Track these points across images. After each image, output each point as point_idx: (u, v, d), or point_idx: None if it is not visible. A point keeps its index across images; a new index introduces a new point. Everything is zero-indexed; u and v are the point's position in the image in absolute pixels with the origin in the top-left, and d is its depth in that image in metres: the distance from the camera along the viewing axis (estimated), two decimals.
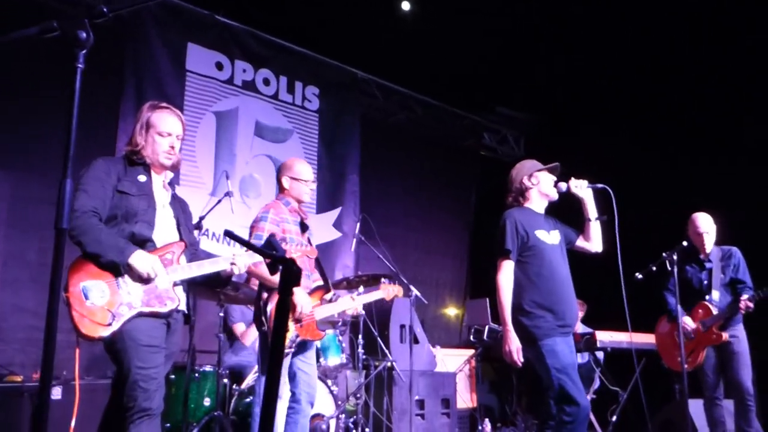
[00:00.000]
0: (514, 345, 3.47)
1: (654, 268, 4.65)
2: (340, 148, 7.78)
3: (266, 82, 7.34)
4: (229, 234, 1.63)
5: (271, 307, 3.84)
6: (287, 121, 7.45)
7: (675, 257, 4.48)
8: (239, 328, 5.40)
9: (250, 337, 5.34)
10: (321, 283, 4.07)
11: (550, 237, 3.70)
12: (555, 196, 3.77)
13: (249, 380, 4.89)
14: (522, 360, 3.47)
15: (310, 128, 7.63)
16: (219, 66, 6.96)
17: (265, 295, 3.92)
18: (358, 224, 5.45)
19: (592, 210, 3.78)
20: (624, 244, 3.77)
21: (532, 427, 6.58)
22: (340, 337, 5.06)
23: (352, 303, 4.42)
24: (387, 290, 4.66)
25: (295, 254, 3.75)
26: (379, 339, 5.68)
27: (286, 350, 3.82)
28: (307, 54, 7.62)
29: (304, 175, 4.13)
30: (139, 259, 2.75)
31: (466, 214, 9.55)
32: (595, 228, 3.80)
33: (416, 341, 5.90)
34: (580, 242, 3.85)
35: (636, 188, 7.05)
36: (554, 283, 3.57)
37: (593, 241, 3.81)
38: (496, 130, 9.46)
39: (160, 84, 6.39)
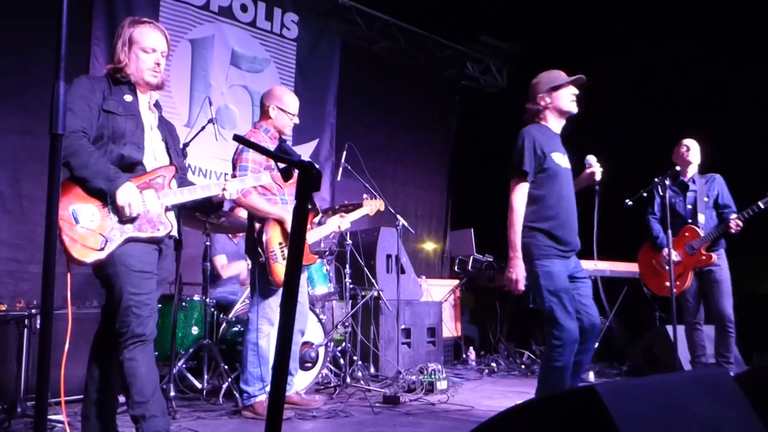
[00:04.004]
0: (520, 273, 3.34)
1: (645, 194, 4.67)
2: (319, 78, 7.55)
3: (244, 8, 7.02)
4: (238, 138, 1.51)
5: (266, 237, 3.77)
6: (264, 50, 7.18)
7: (667, 182, 4.46)
8: (220, 260, 5.32)
9: (230, 271, 5.29)
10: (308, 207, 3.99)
11: (565, 160, 3.57)
12: (574, 110, 3.57)
13: (237, 309, 4.85)
14: (523, 289, 3.36)
15: (287, 57, 7.37)
16: None
17: (257, 225, 3.85)
18: (344, 153, 5.31)
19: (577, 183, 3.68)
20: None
21: (515, 354, 6.69)
22: (327, 267, 5.01)
23: (342, 220, 4.41)
24: (370, 206, 4.68)
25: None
26: (365, 269, 5.66)
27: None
28: None
29: (291, 107, 4.07)
30: (125, 192, 2.60)
31: (446, 145, 9.44)
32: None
33: (402, 271, 5.91)
34: None
35: (617, 119, 7.09)
36: (561, 207, 3.45)
37: None
38: (480, 60, 9.27)
39: (132, 10, 6.07)
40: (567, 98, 3.55)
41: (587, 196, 3.70)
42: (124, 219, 2.62)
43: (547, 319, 3.31)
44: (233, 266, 5.31)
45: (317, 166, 1.40)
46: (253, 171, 3.78)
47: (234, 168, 3.89)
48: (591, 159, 3.69)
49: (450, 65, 9.11)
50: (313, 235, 4.16)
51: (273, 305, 3.91)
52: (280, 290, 3.90)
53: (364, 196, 4.75)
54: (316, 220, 4.30)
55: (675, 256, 4.81)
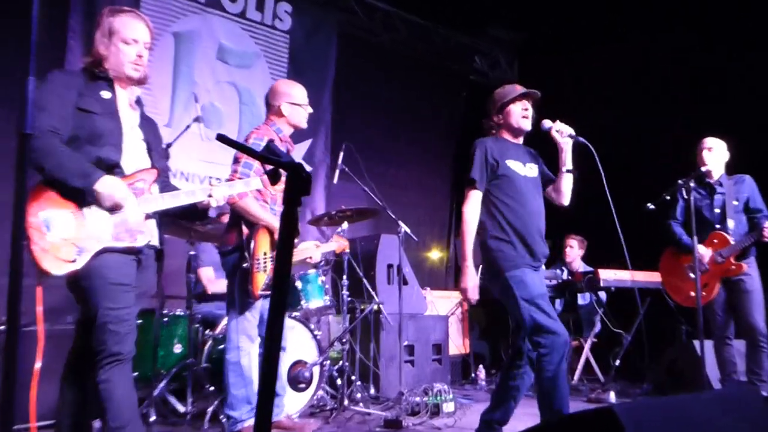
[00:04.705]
0: (471, 282, 3.48)
1: (668, 198, 4.68)
2: (313, 73, 7.56)
3: None
4: (222, 138, 1.51)
5: (254, 243, 3.77)
6: (254, 44, 7.21)
7: (692, 184, 4.48)
8: (206, 273, 5.31)
9: (218, 286, 5.28)
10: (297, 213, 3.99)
11: (525, 169, 3.73)
12: (527, 127, 3.75)
13: (223, 325, 4.83)
14: (477, 297, 3.51)
15: (279, 51, 7.40)
16: None
17: (246, 230, 3.85)
18: (341, 154, 5.31)
19: (567, 160, 3.76)
20: (619, 177, 3.76)
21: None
22: (323, 278, 5.00)
23: (315, 251, 4.51)
24: (339, 243, 4.80)
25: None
26: (364, 280, 5.63)
27: (262, 292, 3.79)
28: None
29: (301, 98, 4.10)
30: (106, 185, 2.61)
31: (451, 145, 9.48)
32: (566, 180, 3.81)
33: (405, 282, 5.87)
34: (549, 190, 3.89)
35: (635, 116, 7.15)
36: (523, 214, 3.60)
37: (560, 194, 3.84)
38: (488, 53, 9.32)
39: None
40: (517, 114, 3.74)
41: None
42: (111, 209, 2.64)
43: (531, 329, 3.39)
44: (222, 281, 5.29)
45: (309, 168, 1.41)
46: (256, 172, 3.79)
47: (236, 162, 3.88)
48: (545, 122, 3.76)
49: (456, 59, 9.14)
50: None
51: (251, 319, 3.92)
52: (258, 303, 3.93)
53: (339, 231, 4.90)
54: (296, 241, 4.31)
55: (704, 251, 4.83)
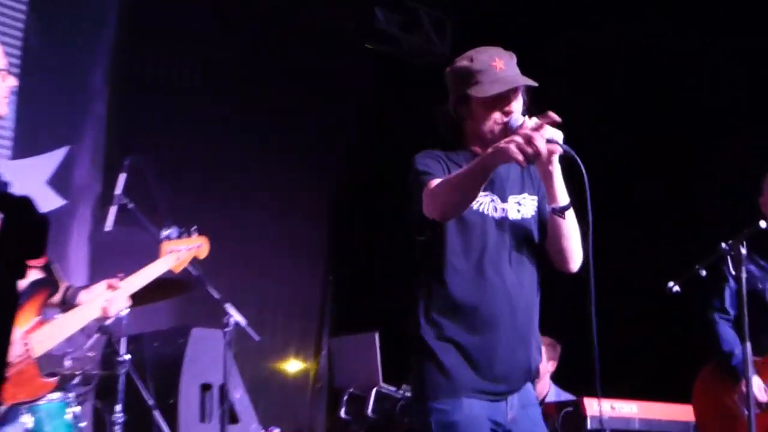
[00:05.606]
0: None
1: (703, 272, 4.73)
2: (75, 29, 7.64)
3: None
4: None
5: None
6: None
7: (743, 250, 4.50)
8: None
9: None
10: (38, 276, 3.96)
11: (507, 206, 3.64)
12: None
13: None
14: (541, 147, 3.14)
15: None
16: None
17: None
18: (122, 177, 5.14)
19: (556, 189, 3.54)
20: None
21: None
22: (75, 410, 4.72)
23: (115, 295, 4.27)
24: (176, 253, 4.69)
25: None
26: (156, 412, 5.52)
27: None
28: None
29: None
30: None
31: (330, 170, 9.70)
32: (565, 228, 3.60)
33: (234, 420, 5.74)
34: (548, 246, 3.73)
35: (622, 125, 8.12)
36: (486, 291, 3.51)
37: (557, 252, 3.67)
38: (402, 6, 9.43)
39: None
40: (494, 121, 3.57)
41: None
42: None
43: None
44: None
45: (58, 203, 1.08)
46: None
47: None
48: (514, 118, 3.50)
49: (346, 14, 9.29)
50: (54, 334, 4.03)
51: None
52: None
53: (164, 234, 4.71)
54: (55, 300, 4.19)
55: (762, 394, 4.96)
